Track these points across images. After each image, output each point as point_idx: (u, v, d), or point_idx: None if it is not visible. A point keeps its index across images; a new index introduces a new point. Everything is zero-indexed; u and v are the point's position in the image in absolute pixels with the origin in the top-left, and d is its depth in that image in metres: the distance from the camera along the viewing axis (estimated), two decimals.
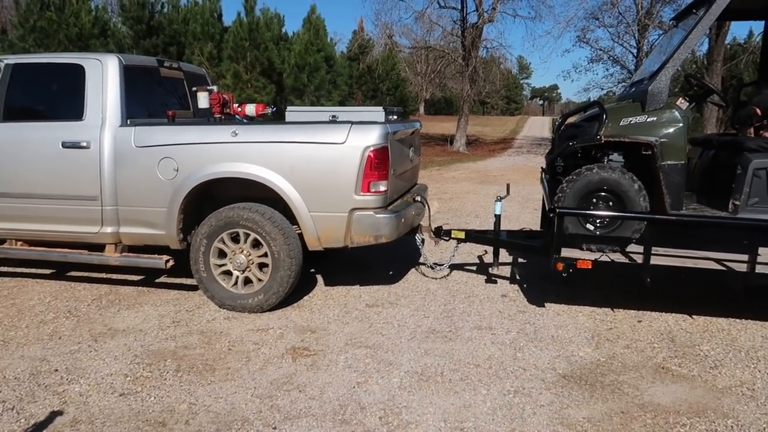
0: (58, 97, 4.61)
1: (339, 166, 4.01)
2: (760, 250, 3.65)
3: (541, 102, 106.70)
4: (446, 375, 3.27)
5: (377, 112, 4.85)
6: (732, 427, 2.78)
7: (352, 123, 4.05)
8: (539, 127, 45.91)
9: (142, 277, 5.13)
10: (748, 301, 4.17)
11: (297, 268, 4.21)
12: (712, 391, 3.12)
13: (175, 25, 16.36)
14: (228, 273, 4.31)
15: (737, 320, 4.11)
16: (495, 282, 5.01)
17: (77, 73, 4.41)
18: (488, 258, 5.71)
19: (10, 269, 5.30)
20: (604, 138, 4.00)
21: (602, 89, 28.54)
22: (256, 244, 4.23)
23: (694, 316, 4.18)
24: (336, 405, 2.95)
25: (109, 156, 4.30)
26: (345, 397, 3.03)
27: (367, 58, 29.09)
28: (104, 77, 4.36)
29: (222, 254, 4.30)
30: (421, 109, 47.99)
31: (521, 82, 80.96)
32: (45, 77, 4.59)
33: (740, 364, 3.44)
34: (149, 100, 4.89)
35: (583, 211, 4.01)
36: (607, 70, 37.50)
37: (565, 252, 4.01)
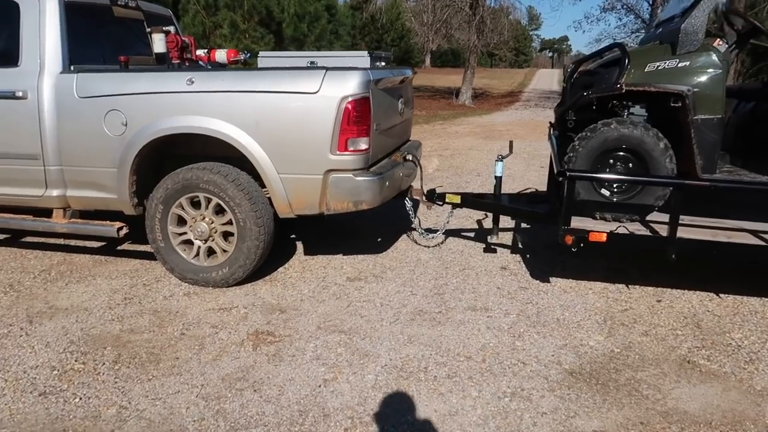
0: None
1: (311, 119, 3.42)
2: None
3: (550, 54, 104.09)
4: (431, 370, 2.76)
5: (362, 57, 4.22)
6: None
7: (327, 69, 3.43)
8: (548, 80, 44.48)
9: (102, 243, 4.62)
10: None
11: (267, 237, 3.67)
12: (749, 395, 2.60)
13: None
14: (189, 242, 3.78)
15: None
16: (494, 251, 4.47)
17: (11, 11, 3.78)
18: (488, 222, 5.15)
19: None
20: (625, 87, 3.37)
21: (614, 40, 27.36)
22: (219, 210, 3.68)
23: (721, 296, 3.63)
24: (295, 410, 2.45)
25: (50, 108, 3.71)
26: (307, 399, 2.53)
27: (370, 6, 27.91)
28: (41, 15, 3.72)
29: (181, 221, 3.76)
30: (428, 61, 46.63)
31: (530, 33, 78.72)
32: None
33: None
34: (101, 43, 4.25)
35: (600, 176, 3.41)
36: (620, 19, 36.07)
37: (575, 221, 3.44)
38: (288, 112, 3.45)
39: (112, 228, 3.83)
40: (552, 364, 2.83)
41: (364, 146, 3.50)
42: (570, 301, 3.56)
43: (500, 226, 4.42)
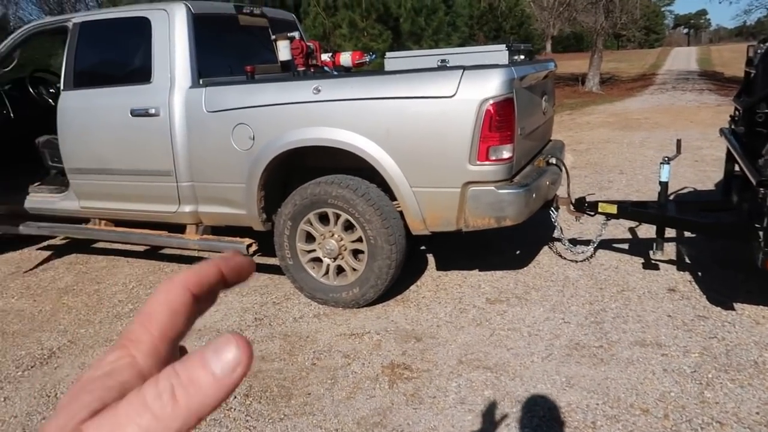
0: (126, 57, 4.06)
1: (447, 126, 3.06)
2: None
3: (686, 31, 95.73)
4: (601, 427, 2.30)
5: (499, 52, 3.79)
6: None
7: (465, 68, 3.04)
8: (685, 59, 40.74)
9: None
10: None
11: (399, 256, 3.37)
12: None
13: None
14: (318, 260, 3.59)
15: None
16: (656, 268, 3.85)
17: (144, 27, 3.79)
18: (643, 231, 4.51)
19: (106, 245, 4.99)
20: None
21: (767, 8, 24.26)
22: (348, 227, 3.45)
23: None
24: None
25: (180, 124, 3.67)
26: None
27: None
28: (171, 30, 3.70)
29: (310, 238, 3.58)
30: (548, 47, 44.55)
31: (662, 9, 72.73)
32: (112, 35, 4.04)
33: None
34: (227, 54, 4.20)
35: None
36: None
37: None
38: (421, 119, 3.12)
39: (242, 245, 3.74)
40: (758, 426, 2.25)
41: (507, 154, 3.09)
42: (766, 335, 2.90)
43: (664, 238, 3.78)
